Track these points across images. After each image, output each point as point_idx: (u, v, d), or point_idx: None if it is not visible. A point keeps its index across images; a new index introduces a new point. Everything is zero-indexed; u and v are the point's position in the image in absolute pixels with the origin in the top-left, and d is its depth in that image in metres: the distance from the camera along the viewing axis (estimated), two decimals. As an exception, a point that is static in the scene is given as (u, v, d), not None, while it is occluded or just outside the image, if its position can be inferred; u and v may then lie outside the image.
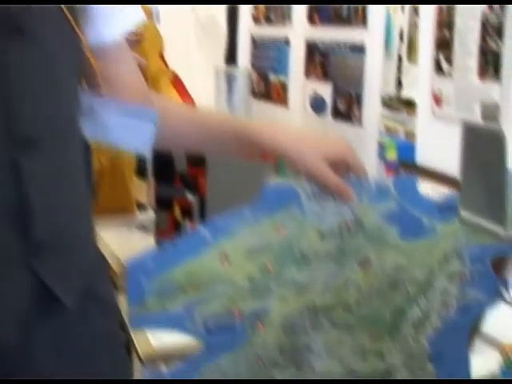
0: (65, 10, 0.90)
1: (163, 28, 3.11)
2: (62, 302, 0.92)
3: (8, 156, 0.85)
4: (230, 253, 0.87)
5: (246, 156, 1.12)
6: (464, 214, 0.88)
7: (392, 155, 2.03)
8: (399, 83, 2.12)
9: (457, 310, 1.01)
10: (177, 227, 1.95)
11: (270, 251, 0.89)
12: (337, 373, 0.95)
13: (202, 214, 1.89)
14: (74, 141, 0.97)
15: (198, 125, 1.10)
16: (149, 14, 2.73)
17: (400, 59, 2.10)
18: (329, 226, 0.92)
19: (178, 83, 2.83)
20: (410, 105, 2.07)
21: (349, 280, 0.94)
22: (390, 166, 2.03)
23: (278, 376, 0.92)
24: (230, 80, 2.66)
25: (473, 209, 0.85)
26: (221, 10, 3.13)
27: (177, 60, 3.00)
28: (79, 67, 0.96)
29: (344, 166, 0.96)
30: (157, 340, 1.51)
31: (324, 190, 0.92)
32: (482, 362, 1.21)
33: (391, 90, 2.15)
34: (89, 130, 0.99)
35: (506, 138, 0.75)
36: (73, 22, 0.91)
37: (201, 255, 0.86)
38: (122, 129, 1.00)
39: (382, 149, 2.09)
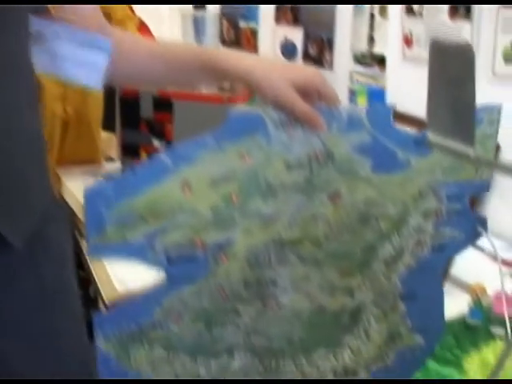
0: None
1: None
2: (7, 241, 0.88)
3: None
4: (193, 181, 0.83)
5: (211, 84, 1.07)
6: (432, 136, 0.83)
7: (362, 101, 2.00)
8: (371, 39, 2.09)
9: (432, 248, 0.98)
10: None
11: (234, 180, 0.85)
12: (304, 307, 0.92)
13: (169, 160, 1.84)
14: (20, 75, 0.91)
15: (160, 56, 1.05)
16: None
17: (372, 16, 2.06)
18: (297, 156, 0.87)
19: (144, 30, 2.76)
20: (381, 61, 2.05)
21: (317, 213, 0.90)
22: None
23: (242, 310, 0.89)
24: (197, 24, 2.59)
25: (441, 131, 0.80)
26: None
27: (144, 7, 2.92)
28: None
29: (315, 94, 0.91)
30: (122, 285, 1.49)
31: (292, 117, 0.87)
32: (452, 303, 1.21)
33: (363, 46, 2.11)
34: (38, 60, 0.94)
35: (475, 54, 0.71)
36: None
37: (162, 183, 0.82)
38: (72, 58, 0.95)
39: (352, 95, 2.06)
